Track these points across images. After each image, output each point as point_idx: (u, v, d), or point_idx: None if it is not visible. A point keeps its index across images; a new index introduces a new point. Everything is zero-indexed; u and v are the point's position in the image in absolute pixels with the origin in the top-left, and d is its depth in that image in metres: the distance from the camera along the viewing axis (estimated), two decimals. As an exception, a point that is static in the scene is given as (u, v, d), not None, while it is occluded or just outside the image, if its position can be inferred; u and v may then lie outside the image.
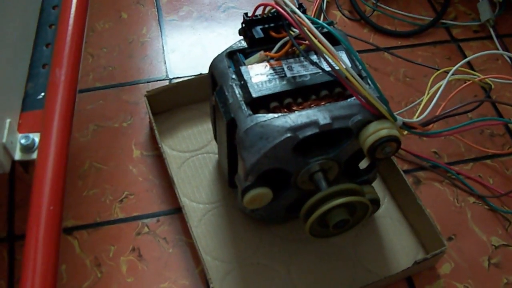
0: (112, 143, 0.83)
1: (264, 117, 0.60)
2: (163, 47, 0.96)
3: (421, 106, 0.72)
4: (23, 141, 0.60)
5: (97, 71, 0.91)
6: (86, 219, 0.76)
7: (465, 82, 0.79)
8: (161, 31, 0.98)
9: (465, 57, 0.98)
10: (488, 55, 0.99)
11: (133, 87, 0.90)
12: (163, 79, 0.91)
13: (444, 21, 1.03)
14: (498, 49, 0.99)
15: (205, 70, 0.68)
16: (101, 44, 0.95)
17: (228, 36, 0.98)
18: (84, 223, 0.76)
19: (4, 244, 0.73)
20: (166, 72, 0.92)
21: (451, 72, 0.73)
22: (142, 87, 0.89)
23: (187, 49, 0.96)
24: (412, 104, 0.86)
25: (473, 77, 0.79)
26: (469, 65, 0.97)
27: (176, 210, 0.77)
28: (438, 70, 0.83)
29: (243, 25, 0.66)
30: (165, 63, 0.93)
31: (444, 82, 0.72)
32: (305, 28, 0.60)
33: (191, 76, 0.85)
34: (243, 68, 0.63)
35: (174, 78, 0.91)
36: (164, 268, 0.73)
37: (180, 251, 0.74)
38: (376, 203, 0.71)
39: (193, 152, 0.82)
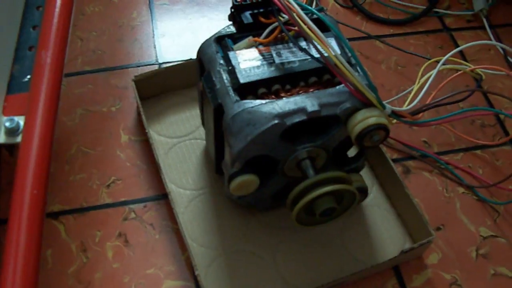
0: (100, 128, 0.82)
1: (252, 103, 0.59)
2: (153, 31, 0.95)
3: (411, 95, 0.71)
4: (7, 124, 0.59)
5: (86, 54, 0.90)
6: (72, 203, 0.75)
7: (457, 72, 0.78)
8: (151, 15, 0.97)
9: (458, 46, 0.97)
10: (481, 45, 0.98)
11: (122, 71, 0.89)
12: (153, 64, 0.90)
13: (437, 10, 1.02)
14: (490, 40, 0.99)
15: (195, 55, 0.68)
16: (91, 27, 0.94)
17: (219, 20, 0.97)
18: (70, 208, 0.75)
19: (-12, 228, 0.72)
20: (156, 56, 0.91)
21: (442, 61, 0.73)
22: (132, 72, 0.88)
23: (178, 34, 0.95)
24: (403, 93, 0.85)
25: (464, 67, 0.79)
26: (462, 55, 0.96)
27: (163, 196, 0.76)
28: (429, 59, 0.83)
29: (232, 10, 0.65)
30: (155, 47, 0.92)
31: (434, 71, 0.72)
32: (294, 14, 0.59)
33: (181, 61, 0.84)
34: (231, 54, 0.63)
35: (164, 62, 0.91)
36: (151, 254, 0.72)
37: (166, 237, 0.73)
38: (363, 191, 0.70)
39: (181, 138, 0.81)
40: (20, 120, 0.59)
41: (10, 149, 0.62)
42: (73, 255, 0.71)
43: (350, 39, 0.69)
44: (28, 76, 0.63)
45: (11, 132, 0.59)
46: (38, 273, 0.53)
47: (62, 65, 0.63)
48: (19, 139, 0.59)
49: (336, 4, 1.02)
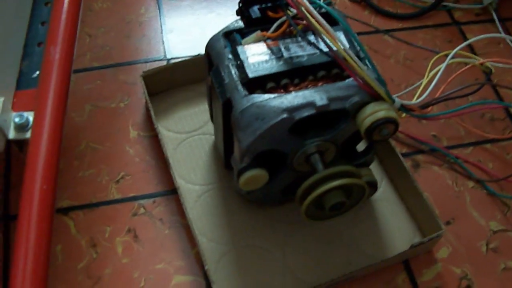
0: (109, 124, 0.82)
1: (261, 97, 0.59)
2: (161, 27, 0.95)
3: (420, 89, 0.71)
4: (17, 119, 0.59)
5: (94, 51, 0.90)
6: (82, 199, 0.75)
7: (466, 66, 0.78)
8: (159, 11, 0.97)
9: (467, 40, 0.97)
10: (490, 38, 0.98)
11: (130, 67, 0.89)
12: (161, 59, 0.90)
13: (445, 3, 1.02)
14: (500, 33, 0.98)
15: (203, 50, 0.68)
16: (99, 23, 0.94)
17: (227, 16, 0.97)
18: (80, 204, 0.75)
19: (-1, 224, 0.73)
20: (164, 52, 0.91)
21: (451, 55, 0.73)
22: (140, 67, 0.89)
23: (186, 29, 0.95)
24: (412, 87, 0.85)
25: (473, 60, 0.78)
26: (471, 48, 0.96)
27: (172, 191, 0.76)
28: (438, 53, 0.82)
29: (240, 4, 0.65)
30: (163, 43, 0.92)
31: (443, 65, 0.71)
32: (302, 8, 0.59)
33: (189, 56, 0.84)
34: (239, 48, 0.63)
35: (172, 58, 0.91)
36: (160, 249, 0.72)
37: (176, 232, 0.74)
38: (373, 185, 0.70)
39: (190, 133, 0.81)
40: (29, 116, 0.60)
41: (20, 144, 0.63)
42: (82, 251, 0.71)
43: (358, 34, 0.69)
44: (37, 72, 0.64)
45: (21, 127, 0.59)
46: (48, 269, 0.53)
47: (70, 61, 0.63)
48: (28, 134, 0.59)
49: (344, -1, 1.02)
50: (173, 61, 0.90)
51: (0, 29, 0.60)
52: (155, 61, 0.90)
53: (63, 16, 0.66)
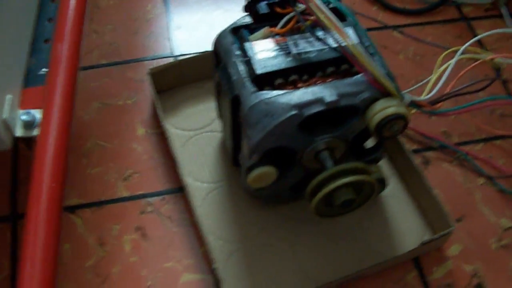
0: (117, 121, 0.82)
1: (269, 94, 0.59)
2: (168, 23, 0.94)
3: (429, 85, 0.70)
4: (24, 117, 0.59)
5: (101, 48, 0.90)
6: (90, 197, 0.75)
7: (476, 61, 0.77)
8: (166, 8, 0.96)
9: (476, 35, 0.96)
10: (500, 33, 0.97)
11: (138, 64, 0.89)
12: (168, 56, 0.90)
13: (455, -1, 1.01)
14: (509, 28, 0.97)
15: (210, 46, 0.67)
16: (106, 20, 0.94)
17: (234, 12, 0.96)
18: (88, 202, 0.75)
19: (7, 223, 0.72)
20: (171, 49, 0.91)
21: (460, 51, 0.72)
22: (147, 64, 0.88)
23: (193, 26, 0.94)
24: (421, 83, 0.84)
25: (483, 56, 0.78)
26: (480, 44, 0.95)
27: (180, 189, 0.76)
28: (447, 49, 0.82)
29: (248, 0, 0.65)
30: (170, 40, 0.92)
31: (453, 60, 0.71)
32: (311, 3, 0.59)
33: (197, 53, 0.84)
34: (247, 44, 0.62)
35: (179, 55, 0.90)
36: (168, 247, 0.72)
37: (184, 230, 0.73)
38: (382, 182, 0.69)
39: (197, 131, 0.81)
40: (37, 113, 0.59)
41: (28, 142, 0.62)
42: (90, 249, 0.71)
43: (367, 29, 0.68)
44: (44, 69, 0.63)
45: (28, 125, 0.59)
46: (57, 267, 0.53)
47: (78, 58, 0.63)
48: (36, 132, 0.58)
49: (353, -6, 1.01)
50: (180, 58, 0.89)
51: (7, 26, 0.60)
52: (162, 58, 0.90)
53: (70, 13, 0.65)
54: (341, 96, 0.59)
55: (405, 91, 0.60)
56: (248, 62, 0.61)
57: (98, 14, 0.95)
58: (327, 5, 0.61)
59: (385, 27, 0.96)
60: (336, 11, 0.61)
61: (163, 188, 0.76)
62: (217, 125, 0.80)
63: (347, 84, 0.60)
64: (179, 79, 0.83)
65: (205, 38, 0.92)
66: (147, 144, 0.80)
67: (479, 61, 0.77)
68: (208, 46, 0.69)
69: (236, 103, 0.61)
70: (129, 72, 0.87)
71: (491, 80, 0.72)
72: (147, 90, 0.85)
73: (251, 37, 0.64)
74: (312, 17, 0.61)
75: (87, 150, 0.79)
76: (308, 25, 0.62)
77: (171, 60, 0.89)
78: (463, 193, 0.78)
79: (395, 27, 0.95)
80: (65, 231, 0.72)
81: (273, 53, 0.61)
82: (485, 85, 0.73)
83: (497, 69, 0.79)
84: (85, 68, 0.87)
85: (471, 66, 0.75)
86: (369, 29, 0.95)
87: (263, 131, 0.58)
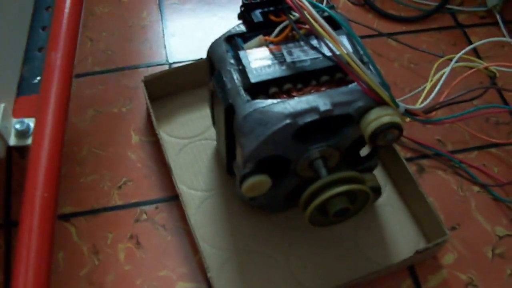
0: (111, 129, 0.82)
1: (263, 103, 0.59)
2: (163, 31, 0.94)
3: (424, 93, 0.70)
4: (18, 126, 0.59)
5: (96, 55, 0.90)
6: (83, 205, 0.75)
7: (470, 70, 0.77)
8: (161, 15, 0.96)
9: (471, 43, 0.96)
10: (494, 42, 0.97)
11: (133, 72, 0.89)
12: (163, 64, 0.90)
13: (449, 6, 1.01)
14: (504, 36, 0.98)
15: (205, 54, 0.67)
16: (101, 28, 0.94)
17: (229, 19, 0.96)
18: (81, 210, 0.75)
19: (0, 231, 0.72)
20: (166, 56, 0.91)
21: (455, 59, 0.72)
22: (142, 72, 0.88)
23: (188, 33, 0.94)
24: (416, 91, 0.84)
25: (478, 64, 0.78)
26: (475, 51, 0.95)
27: (175, 197, 0.75)
28: (442, 57, 0.82)
29: (242, 8, 0.65)
30: (165, 47, 0.92)
31: (447, 69, 0.71)
32: (305, 12, 0.59)
33: (192, 60, 0.84)
34: (241, 53, 0.62)
35: (174, 62, 0.90)
36: (163, 256, 0.72)
37: (178, 238, 0.73)
38: (377, 191, 0.69)
39: (191, 139, 0.80)
40: (30, 122, 0.59)
41: (21, 151, 0.62)
42: (84, 258, 0.71)
43: (361, 37, 0.68)
44: (38, 78, 0.63)
45: (22, 134, 0.59)
46: (50, 277, 0.53)
47: (72, 66, 0.63)
48: (29, 141, 0.58)
49: (348, 2, 1.01)
50: (175, 65, 0.89)
51: (0, 34, 0.60)
52: (157, 65, 0.90)
53: (64, 21, 0.65)
54: (335, 105, 0.59)
55: (400, 99, 0.60)
56: (242, 71, 0.61)
57: (93, 21, 0.95)
58: (321, 14, 0.61)
59: (380, 34, 0.96)
60: (330, 20, 0.61)
61: (157, 196, 0.76)
62: (212, 133, 0.80)
63: (341, 93, 0.60)
64: (174, 87, 0.83)
65: (200, 46, 0.91)
66: (141, 152, 0.80)
67: (474, 69, 0.77)
68: (203, 54, 0.69)
69: (230, 112, 0.61)
70: (124, 79, 0.87)
71: (485, 89, 0.72)
72: (142, 97, 0.84)
73: (246, 45, 0.64)
74: (306, 26, 0.61)
75: (82, 157, 0.79)
76: (302, 33, 0.62)
77: (166, 67, 0.89)
78: (458, 201, 0.78)
79: (390, 35, 0.95)
80: (59, 239, 0.72)
81: (268, 62, 0.61)
82: (480, 93, 0.73)
83: (492, 77, 0.79)
84: (80, 76, 0.87)
85: (466, 74, 0.76)
86: (364, 37, 0.95)
87: (257, 140, 0.58)
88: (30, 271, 0.51)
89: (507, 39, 0.97)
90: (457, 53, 0.74)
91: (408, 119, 0.63)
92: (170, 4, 0.98)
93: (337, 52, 0.58)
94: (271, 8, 0.64)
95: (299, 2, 0.59)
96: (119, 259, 0.71)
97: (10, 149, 0.59)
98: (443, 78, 0.70)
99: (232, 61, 0.63)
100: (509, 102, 0.89)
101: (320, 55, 0.62)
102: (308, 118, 0.58)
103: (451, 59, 0.74)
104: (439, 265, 0.73)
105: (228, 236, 0.73)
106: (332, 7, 0.64)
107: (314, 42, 0.63)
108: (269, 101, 0.59)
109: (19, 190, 0.74)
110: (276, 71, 0.61)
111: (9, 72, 0.62)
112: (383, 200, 0.76)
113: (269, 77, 0.60)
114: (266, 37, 0.63)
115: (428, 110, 0.65)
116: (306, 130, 0.60)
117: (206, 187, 0.76)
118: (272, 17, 0.64)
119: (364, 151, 0.70)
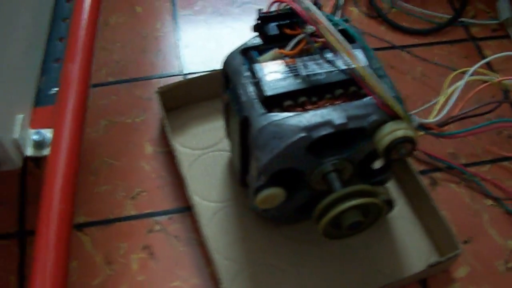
0: (125, 139, 0.82)
1: (278, 116, 0.59)
2: (177, 42, 0.95)
3: (437, 107, 0.71)
4: (35, 137, 0.59)
5: (110, 65, 0.91)
6: (97, 215, 0.75)
7: (483, 83, 0.77)
8: (175, 26, 0.97)
9: (483, 56, 0.96)
10: (507, 55, 0.97)
11: (146, 82, 0.89)
12: (177, 75, 0.90)
13: (462, 19, 1.01)
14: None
15: (219, 65, 0.67)
16: (115, 38, 0.94)
17: (242, 31, 0.97)
18: (95, 220, 0.75)
19: (15, 240, 0.72)
20: (180, 67, 0.91)
21: (469, 73, 0.72)
22: (156, 83, 0.89)
23: (202, 44, 0.95)
24: (428, 104, 0.84)
25: (491, 78, 0.78)
26: (487, 64, 0.95)
27: (188, 208, 0.76)
28: (455, 70, 0.82)
29: (258, 21, 0.65)
30: (179, 58, 0.92)
31: (462, 82, 0.71)
32: (320, 25, 0.59)
33: (205, 71, 0.84)
34: (256, 66, 0.62)
35: (188, 73, 0.91)
36: (175, 266, 0.72)
37: (191, 249, 0.73)
38: (390, 204, 0.69)
39: (205, 150, 0.81)
40: (47, 133, 0.59)
41: (36, 161, 0.62)
42: (97, 268, 0.71)
43: (374, 49, 0.68)
44: (55, 89, 0.63)
45: (39, 145, 0.59)
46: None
47: (88, 77, 0.63)
48: (46, 152, 0.59)
49: (361, 14, 1.01)
50: (189, 76, 0.89)
51: (18, 45, 0.60)
52: (171, 76, 0.90)
53: (81, 32, 0.66)
54: (350, 118, 0.59)
55: (412, 112, 0.60)
56: (257, 84, 0.61)
57: (107, 31, 0.95)
58: (336, 27, 0.61)
59: (393, 47, 0.96)
60: (345, 33, 0.61)
61: (170, 207, 0.76)
62: (225, 144, 0.80)
63: (355, 107, 0.60)
64: (188, 98, 0.84)
65: (214, 57, 0.92)
66: (155, 162, 0.80)
67: (487, 83, 0.77)
68: (216, 65, 0.70)
69: (245, 125, 0.61)
70: (138, 90, 0.88)
71: (499, 103, 0.72)
72: (156, 108, 0.85)
73: (261, 58, 0.64)
74: (321, 39, 0.61)
75: (95, 168, 0.79)
76: (317, 47, 0.63)
77: (179, 78, 0.89)
78: (471, 214, 0.78)
79: (403, 47, 0.96)
80: (73, 249, 0.72)
81: (282, 75, 0.62)
82: (493, 107, 0.73)
83: (505, 91, 0.79)
84: (94, 86, 0.87)
85: (479, 88, 0.76)
86: (377, 49, 0.95)
87: (272, 153, 0.59)
88: (47, 282, 0.52)
89: (520, 52, 0.97)
90: (469, 66, 0.74)
91: (421, 133, 0.63)
92: (184, 15, 0.99)
93: (352, 66, 0.59)
94: (287, 21, 0.65)
95: (314, 16, 0.59)
96: (132, 269, 0.71)
97: (25, 159, 0.60)
98: (457, 92, 0.70)
99: (247, 73, 0.63)
100: (522, 116, 0.89)
101: (335, 69, 0.62)
102: (323, 132, 0.59)
103: (464, 72, 0.74)
104: (452, 278, 0.73)
105: (240, 247, 0.73)
106: (346, 20, 0.64)
107: (329, 55, 0.63)
108: (284, 114, 0.59)
109: (33, 199, 0.75)
110: (291, 84, 0.61)
111: (27, 83, 0.62)
112: (395, 213, 0.76)
113: (284, 90, 0.61)
114: (282, 50, 0.63)
115: (441, 124, 0.65)
116: (320, 143, 0.60)
117: (219, 198, 0.77)
118: (287, 30, 0.64)
119: (378, 165, 0.70)
